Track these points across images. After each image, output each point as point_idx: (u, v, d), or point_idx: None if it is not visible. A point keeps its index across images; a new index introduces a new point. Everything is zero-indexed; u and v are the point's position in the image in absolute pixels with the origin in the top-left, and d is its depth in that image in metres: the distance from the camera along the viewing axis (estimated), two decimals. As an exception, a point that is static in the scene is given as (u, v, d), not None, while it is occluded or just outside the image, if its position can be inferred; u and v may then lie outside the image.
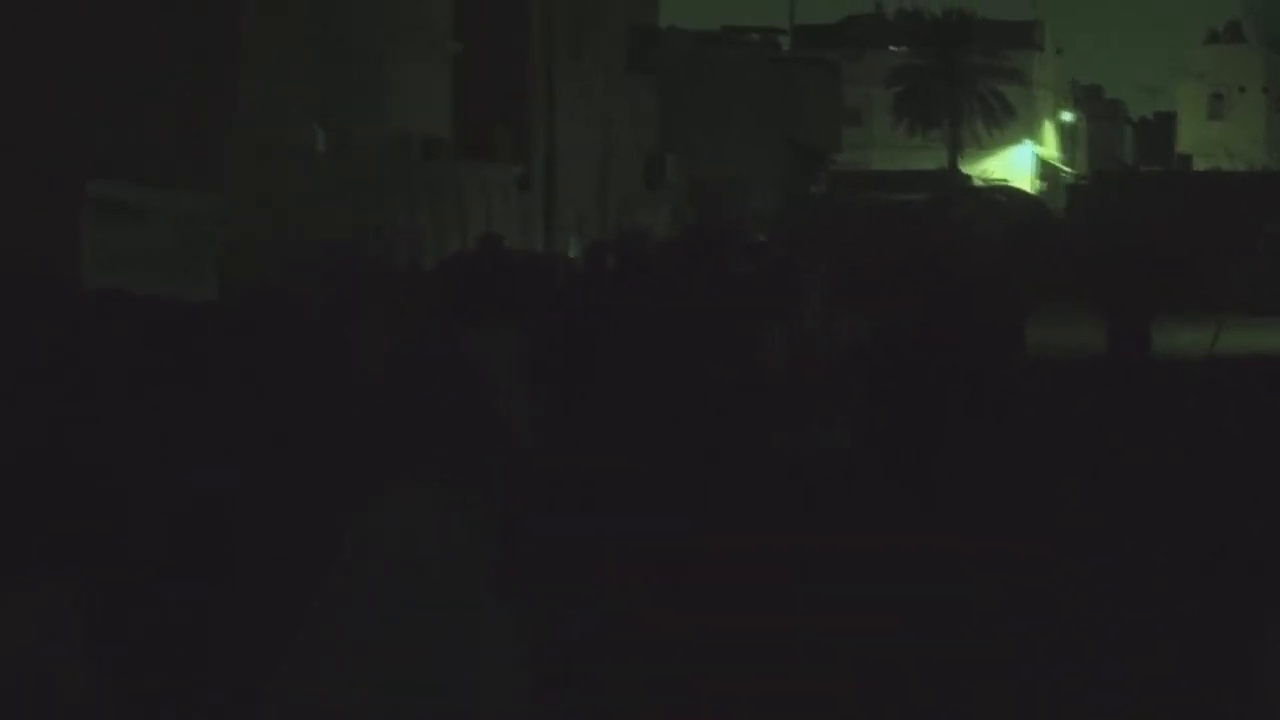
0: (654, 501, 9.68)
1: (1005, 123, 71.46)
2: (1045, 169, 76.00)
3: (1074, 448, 13.88)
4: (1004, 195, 51.67)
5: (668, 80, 39.72)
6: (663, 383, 10.85)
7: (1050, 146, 79.84)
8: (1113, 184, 45.46)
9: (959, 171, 66.23)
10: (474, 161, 29.68)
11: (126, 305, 9.32)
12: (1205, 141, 75.60)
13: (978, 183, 63.06)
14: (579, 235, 35.13)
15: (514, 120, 31.53)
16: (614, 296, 11.88)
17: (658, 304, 11.50)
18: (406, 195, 26.84)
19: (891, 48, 74.97)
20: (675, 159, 38.63)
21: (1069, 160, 78.97)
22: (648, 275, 12.39)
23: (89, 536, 4.30)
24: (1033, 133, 76.75)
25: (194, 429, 6.05)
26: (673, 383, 10.89)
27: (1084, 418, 15.18)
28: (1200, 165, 67.20)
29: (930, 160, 68.20)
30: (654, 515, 9.42)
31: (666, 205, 38.93)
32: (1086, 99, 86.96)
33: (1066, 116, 78.43)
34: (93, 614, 4.16)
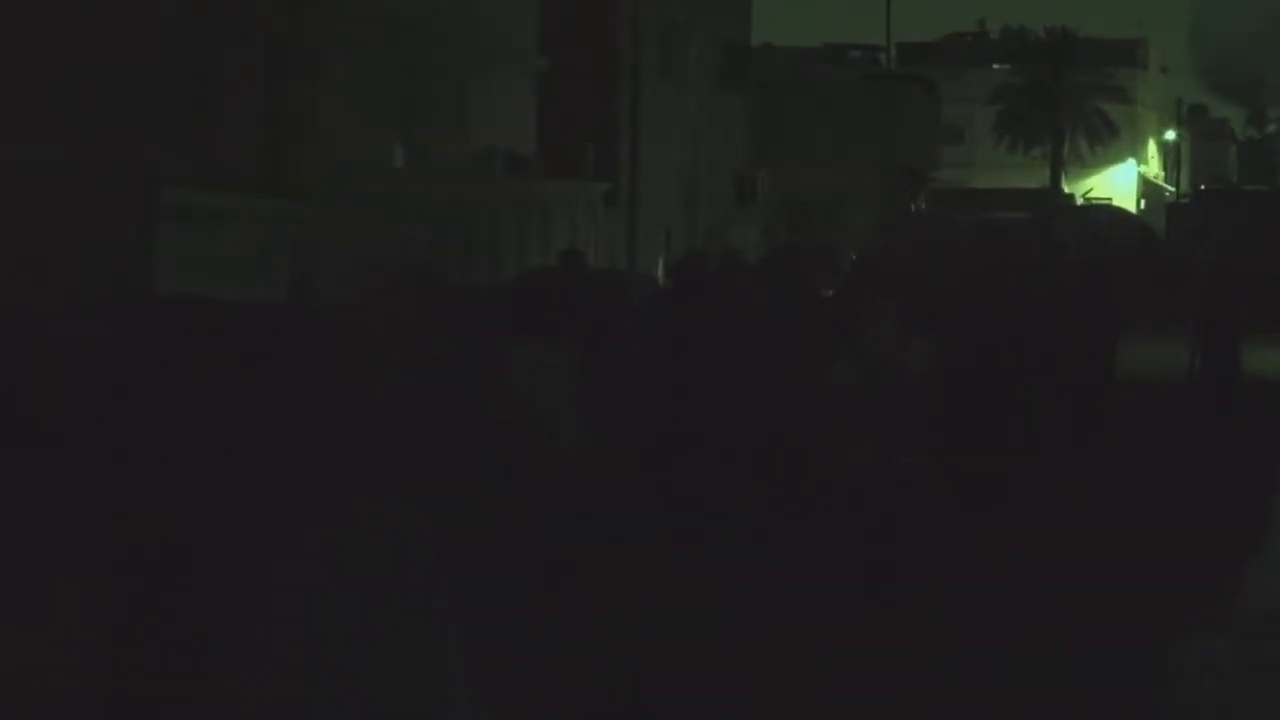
0: (660, 505, 9.42)
1: (1108, 141, 70.03)
2: (1148, 188, 74.42)
3: (1153, 470, 13.27)
4: (1106, 214, 50.45)
5: (764, 98, 38.97)
6: (726, 399, 10.36)
7: (1154, 165, 78.19)
8: (1212, 202, 44.16)
9: (1060, 190, 65.00)
10: (560, 178, 29.08)
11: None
12: (1312, 160, 73.70)
13: (1080, 201, 61.81)
14: (667, 252, 34.45)
15: (601, 137, 30.91)
16: (687, 313, 11.24)
17: (732, 322, 10.93)
18: (488, 211, 26.29)
19: (994, 65, 73.77)
20: (767, 176, 37.82)
21: (1172, 179, 77.29)
22: (725, 293, 11.78)
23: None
24: (1136, 151, 75.20)
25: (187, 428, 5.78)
26: (735, 400, 10.37)
27: (1165, 440, 14.53)
28: (1306, 184, 65.37)
29: (1032, 179, 67.00)
30: (660, 517, 9.17)
31: (758, 223, 38.15)
32: (1192, 118, 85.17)
33: (1170, 135, 76.71)
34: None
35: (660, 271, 34.10)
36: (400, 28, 24.18)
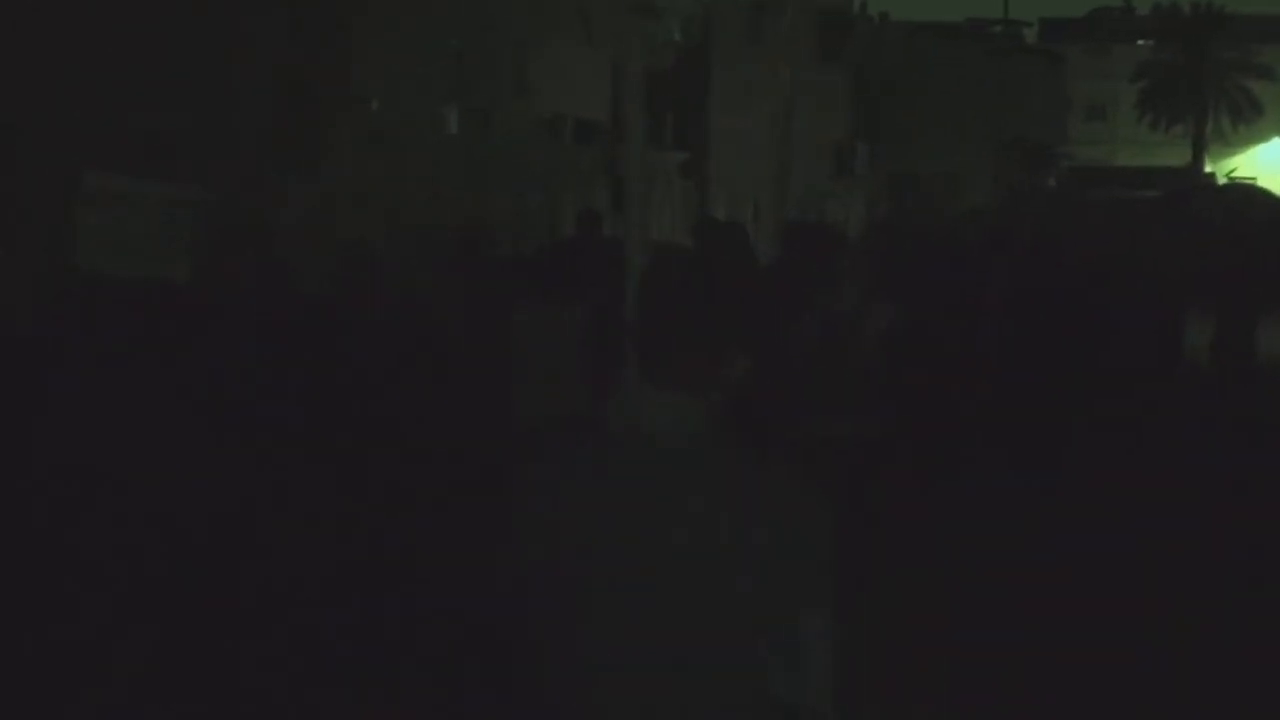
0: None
1: (1253, 119, 66.96)
2: (1296, 167, 70.89)
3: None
4: (1242, 193, 47.75)
5: (869, 69, 36.84)
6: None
7: (1302, 144, 74.52)
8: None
9: (1200, 169, 62.20)
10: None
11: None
12: None
13: (1221, 180, 58.97)
14: (755, 224, 32.61)
15: (682, 106, 29.15)
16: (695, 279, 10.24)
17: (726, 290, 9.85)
18: (554, 179, 24.72)
19: (1139, 42, 70.81)
20: (870, 150, 35.75)
21: (1320, 159, 73.57)
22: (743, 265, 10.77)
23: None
24: (1282, 130, 71.71)
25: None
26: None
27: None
28: None
29: (1175, 157, 64.26)
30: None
31: (861, 197, 36.12)
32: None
33: (1319, 113, 72.83)
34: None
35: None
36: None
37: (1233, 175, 63.95)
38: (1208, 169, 62.92)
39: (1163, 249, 17.22)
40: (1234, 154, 67.96)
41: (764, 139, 33.97)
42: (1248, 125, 66.84)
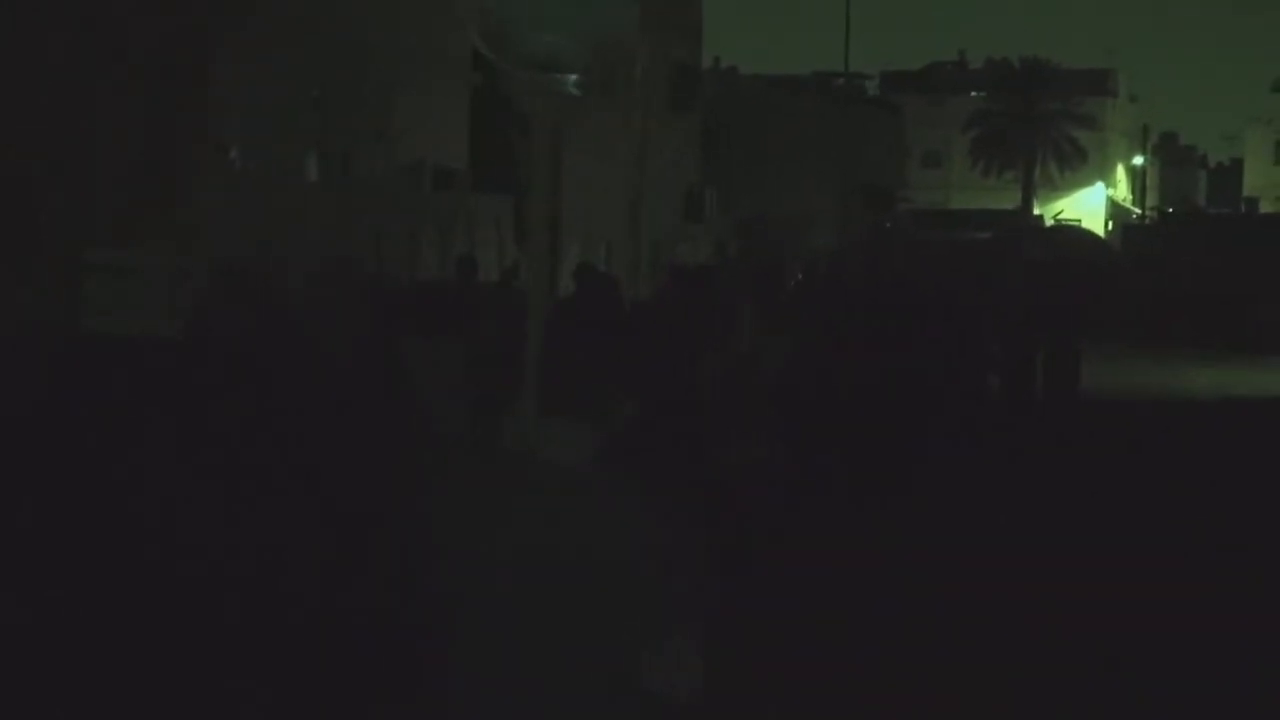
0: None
1: (1077, 166, 68.77)
2: (1117, 210, 72.76)
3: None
4: (1067, 233, 48.80)
5: (716, 118, 37.16)
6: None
7: (1123, 189, 76.49)
8: (1169, 224, 42.64)
9: (1028, 211, 63.56)
10: (491, 193, 27.36)
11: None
12: (1272, 184, 71.76)
13: (1049, 222, 60.32)
14: (607, 266, 32.70)
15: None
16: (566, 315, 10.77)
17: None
18: (411, 225, 24.59)
19: (972, 93, 72.35)
20: (717, 195, 36.05)
21: (1139, 202, 75.63)
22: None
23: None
24: (1105, 175, 73.55)
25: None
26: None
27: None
28: (1266, 208, 63.63)
29: (1006, 200, 65.63)
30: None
31: (710, 240, 36.39)
32: (1163, 145, 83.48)
33: (1138, 160, 74.91)
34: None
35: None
36: (307, 35, 22.50)
37: (1059, 217, 65.62)
38: (1036, 211, 64.34)
39: (995, 284, 17.65)
40: (1060, 197, 69.60)
41: (616, 184, 34.07)
42: (1073, 171, 68.58)
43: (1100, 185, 72.69)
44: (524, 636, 2.85)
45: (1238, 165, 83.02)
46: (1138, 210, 72.69)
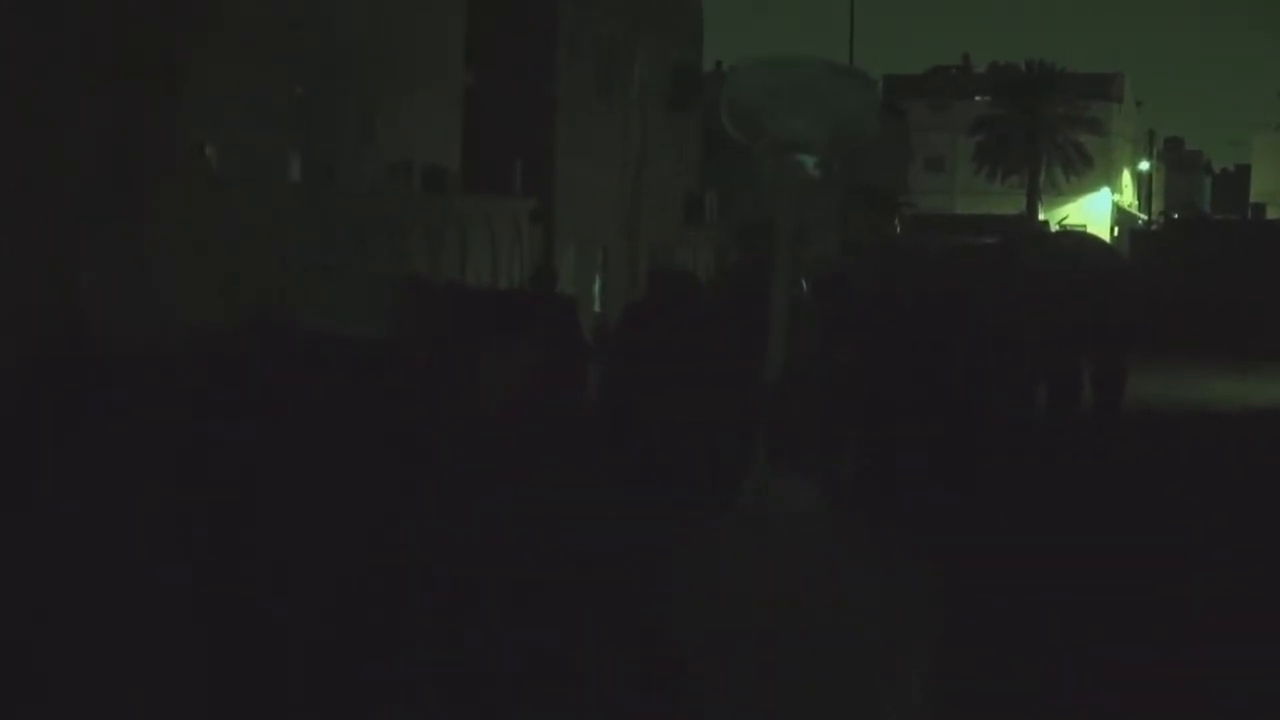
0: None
1: (1083, 171, 67.67)
2: (1122, 216, 71.68)
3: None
4: (1072, 239, 47.77)
5: (716, 121, 35.96)
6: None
7: (1128, 194, 75.40)
8: (1176, 230, 41.60)
9: (1034, 217, 62.52)
10: (483, 194, 26.29)
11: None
12: (1279, 190, 70.65)
13: (1054, 227, 59.34)
14: (603, 271, 31.61)
15: (534, 155, 28.13)
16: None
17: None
18: (399, 226, 23.50)
19: (976, 98, 71.31)
20: (718, 199, 34.93)
21: (1145, 208, 74.51)
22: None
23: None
24: (1110, 181, 72.45)
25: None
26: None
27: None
28: (1274, 213, 62.56)
29: (1010, 206, 64.69)
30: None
31: (710, 245, 35.29)
32: (1168, 150, 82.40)
33: (1143, 165, 73.83)
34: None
35: (596, 289, 31.32)
36: (291, 35, 21.42)
37: (1064, 223, 64.52)
38: (1040, 217, 63.22)
39: (1000, 289, 16.44)
40: (1065, 202, 68.55)
41: (614, 188, 32.83)
42: (1078, 176, 67.52)
43: (1106, 190, 71.64)
44: (773, 676, 3.02)
45: (1243, 171, 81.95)
46: (1143, 216, 71.61)
